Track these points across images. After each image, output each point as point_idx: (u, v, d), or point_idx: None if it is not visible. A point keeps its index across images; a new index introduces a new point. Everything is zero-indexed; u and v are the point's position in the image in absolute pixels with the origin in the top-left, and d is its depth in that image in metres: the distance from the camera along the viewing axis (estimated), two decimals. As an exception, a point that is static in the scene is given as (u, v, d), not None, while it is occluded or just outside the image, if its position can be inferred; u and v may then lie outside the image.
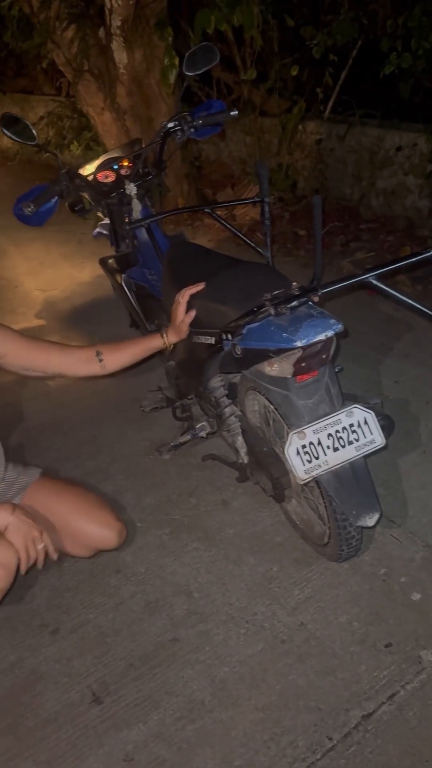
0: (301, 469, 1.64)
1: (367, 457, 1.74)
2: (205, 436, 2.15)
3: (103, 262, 2.71)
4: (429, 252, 1.66)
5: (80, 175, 2.40)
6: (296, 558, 2.09)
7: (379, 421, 1.81)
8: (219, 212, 5.13)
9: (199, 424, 2.16)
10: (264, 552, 2.12)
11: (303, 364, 1.60)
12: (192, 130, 2.43)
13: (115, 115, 4.98)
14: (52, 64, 5.26)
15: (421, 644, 1.79)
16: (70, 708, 1.72)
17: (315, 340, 1.51)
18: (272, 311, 1.56)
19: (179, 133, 2.44)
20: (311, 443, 1.65)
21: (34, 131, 2.24)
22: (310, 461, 1.65)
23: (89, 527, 1.97)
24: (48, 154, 2.45)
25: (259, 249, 2.63)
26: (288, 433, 1.65)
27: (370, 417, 1.69)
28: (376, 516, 1.70)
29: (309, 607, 1.93)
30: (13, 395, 3.09)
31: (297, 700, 1.70)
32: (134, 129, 4.94)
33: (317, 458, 1.65)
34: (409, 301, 1.65)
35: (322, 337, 1.51)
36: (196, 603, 1.98)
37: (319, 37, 4.25)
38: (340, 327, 1.55)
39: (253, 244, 2.64)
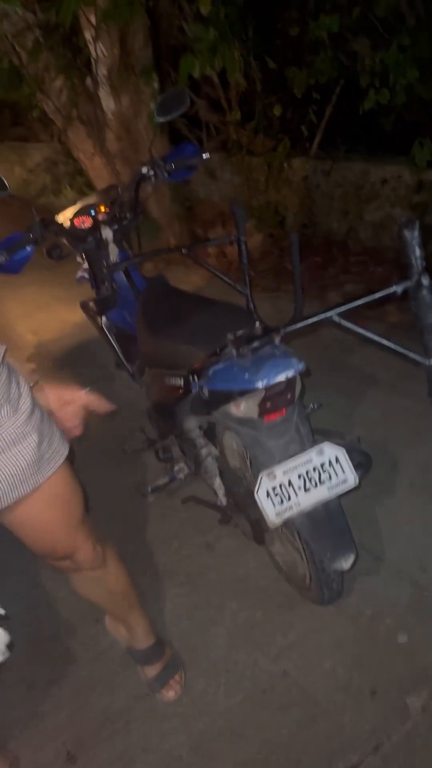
0: (272, 511, 1.60)
1: (341, 497, 1.70)
2: (183, 477, 2.12)
3: (84, 305, 2.71)
4: (392, 288, 1.64)
5: (54, 222, 2.42)
6: (280, 602, 2.03)
7: (355, 458, 1.77)
8: (210, 251, 5.21)
9: (177, 466, 2.12)
10: (247, 597, 2.07)
11: (268, 405, 1.57)
12: (165, 174, 2.45)
13: (105, 159, 5.06)
14: (44, 113, 5.37)
15: (407, 690, 1.73)
16: (43, 768, 1.67)
17: (275, 381, 1.49)
18: (234, 352, 1.54)
19: (152, 178, 2.46)
20: (281, 485, 1.61)
21: (5, 182, 2.26)
22: (281, 503, 1.61)
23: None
24: (24, 202, 2.47)
25: (237, 287, 2.63)
26: (258, 475, 1.61)
27: (342, 454, 1.66)
28: (352, 558, 1.65)
29: (292, 653, 1.88)
30: None
31: (278, 753, 1.63)
32: (124, 172, 5.01)
33: (288, 500, 1.61)
34: (374, 337, 1.63)
35: (282, 377, 1.49)
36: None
37: (298, 76, 4.32)
38: (301, 367, 1.52)
39: (231, 283, 2.64)
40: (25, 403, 1.33)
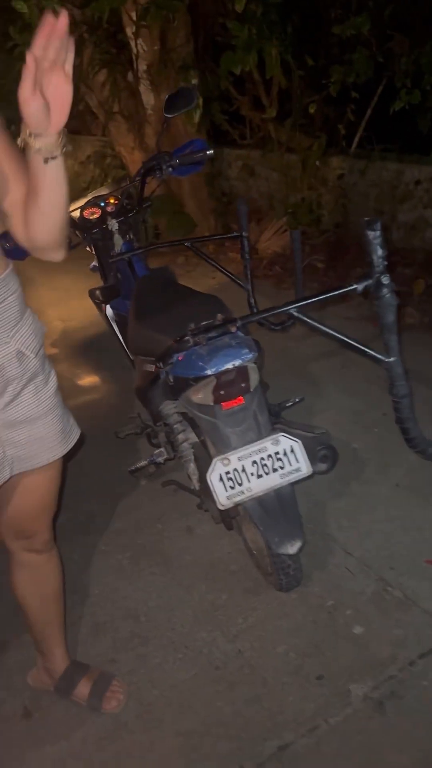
0: (223, 495, 1.67)
1: (295, 485, 1.76)
2: (162, 462, 2.20)
3: (91, 293, 2.82)
4: (353, 286, 1.68)
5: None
6: (247, 587, 2.10)
7: (320, 450, 1.82)
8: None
9: (157, 450, 2.21)
10: (217, 580, 2.14)
11: (222, 392, 1.64)
12: (170, 169, 2.53)
13: (144, 154, 5.18)
14: (88, 107, 5.53)
15: (354, 678, 1.77)
16: (1, 722, 1.78)
17: (223, 368, 1.55)
18: (191, 341, 1.61)
19: (158, 172, 2.55)
20: (235, 470, 1.68)
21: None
22: (233, 487, 1.67)
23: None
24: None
25: (239, 281, 2.70)
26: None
27: (297, 446, 1.71)
28: (298, 544, 1.71)
29: (249, 635, 1.94)
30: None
31: (219, 727, 1.70)
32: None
33: (240, 485, 1.68)
34: (333, 334, 1.67)
35: (229, 365, 1.56)
36: (141, 626, 2.02)
37: (335, 75, 4.33)
38: (250, 356, 1.58)
39: (233, 277, 2.71)
40: (54, 379, 1.47)
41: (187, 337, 1.65)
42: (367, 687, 1.74)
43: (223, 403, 1.69)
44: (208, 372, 1.56)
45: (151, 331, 1.92)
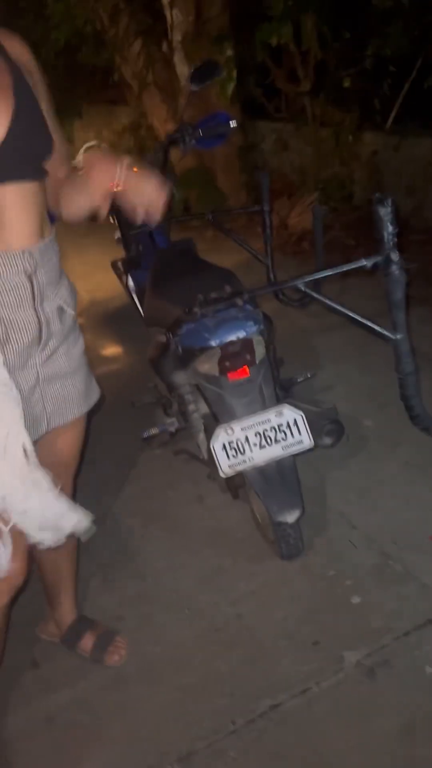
0: (225, 463, 1.72)
1: (297, 456, 1.80)
2: (174, 431, 2.26)
3: (113, 264, 2.88)
4: (362, 262, 1.70)
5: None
6: (251, 554, 2.16)
7: (326, 425, 1.86)
8: (273, 219, 5.24)
9: (169, 419, 2.27)
10: (222, 546, 2.21)
11: (227, 363, 1.68)
12: (193, 141, 2.55)
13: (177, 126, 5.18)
14: (122, 77, 5.53)
15: (347, 645, 1.82)
16: (10, 671, 1.87)
17: (227, 340, 1.59)
18: (198, 312, 1.66)
19: (181, 144, 2.57)
20: (238, 440, 1.73)
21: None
22: (235, 456, 1.73)
23: None
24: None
25: (259, 257, 2.73)
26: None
27: (300, 418, 1.75)
28: (297, 513, 1.76)
29: (250, 600, 2.00)
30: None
31: (215, 684, 1.78)
32: (193, 139, 5.12)
33: (243, 453, 1.73)
34: (340, 309, 1.70)
35: (233, 337, 1.60)
36: (147, 586, 2.10)
37: (371, 48, 4.26)
38: (254, 329, 1.62)
39: (253, 252, 2.74)
40: (81, 341, 1.54)
41: (195, 308, 1.69)
42: (361, 654, 1.79)
43: (229, 374, 1.73)
44: (212, 343, 1.60)
45: (162, 302, 1.97)
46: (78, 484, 2.58)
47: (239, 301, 1.64)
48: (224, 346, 1.63)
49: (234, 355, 1.67)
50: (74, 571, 1.88)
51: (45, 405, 1.46)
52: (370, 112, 4.88)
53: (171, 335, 1.83)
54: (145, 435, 2.31)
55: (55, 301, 1.42)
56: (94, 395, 1.60)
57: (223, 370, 1.70)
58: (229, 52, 4.78)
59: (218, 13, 4.74)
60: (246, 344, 1.66)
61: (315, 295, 1.67)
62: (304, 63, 5.10)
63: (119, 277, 2.87)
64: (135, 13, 4.85)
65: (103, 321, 3.99)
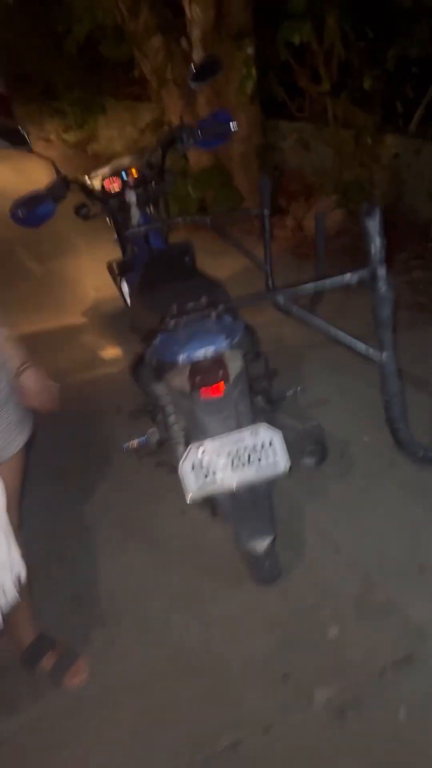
0: (193, 485, 1.62)
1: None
2: (155, 442, 2.17)
3: (109, 266, 2.80)
4: (345, 276, 1.59)
5: (77, 181, 2.49)
6: (229, 575, 2.06)
7: (308, 446, 1.76)
8: (288, 224, 5.13)
9: (151, 430, 2.18)
10: (200, 565, 2.11)
11: (198, 379, 1.59)
12: (191, 140, 2.46)
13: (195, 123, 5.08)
14: (142, 73, 5.46)
15: (319, 681, 1.72)
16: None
17: (194, 355, 1.50)
18: (170, 322, 1.56)
19: (179, 144, 2.48)
20: (209, 460, 1.63)
21: (28, 138, 2.36)
22: (205, 477, 1.63)
23: None
24: (50, 161, 2.57)
25: (258, 263, 2.63)
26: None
27: (277, 438, 1.64)
28: (266, 542, 1.65)
29: (223, 625, 1.91)
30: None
31: (176, 714, 1.69)
32: (211, 137, 5.02)
33: (214, 475, 1.63)
34: (322, 325, 1.59)
35: (201, 352, 1.50)
36: (116, 604, 2.02)
37: (393, 49, 4.12)
38: (224, 345, 1.52)
39: (252, 257, 2.64)
40: (7, 367, 1.51)
41: (167, 319, 1.60)
42: (332, 691, 1.69)
43: (201, 390, 1.64)
44: (179, 359, 1.51)
45: (143, 309, 1.88)
46: (59, 490, 2.53)
47: (212, 314, 1.54)
48: (195, 362, 1.53)
49: (205, 371, 1.57)
50: (30, 596, 1.79)
51: None
52: (392, 114, 4.74)
53: (146, 346, 1.74)
54: (125, 446, 2.22)
55: None
56: (29, 423, 1.58)
57: (195, 386, 1.61)
58: (250, 50, 4.66)
59: (239, 10, 4.63)
60: (217, 360, 1.56)
61: (292, 308, 1.56)
62: (326, 62, 4.97)
63: (114, 279, 2.79)
64: (154, 7, 4.76)
65: (105, 321, 3.91)
